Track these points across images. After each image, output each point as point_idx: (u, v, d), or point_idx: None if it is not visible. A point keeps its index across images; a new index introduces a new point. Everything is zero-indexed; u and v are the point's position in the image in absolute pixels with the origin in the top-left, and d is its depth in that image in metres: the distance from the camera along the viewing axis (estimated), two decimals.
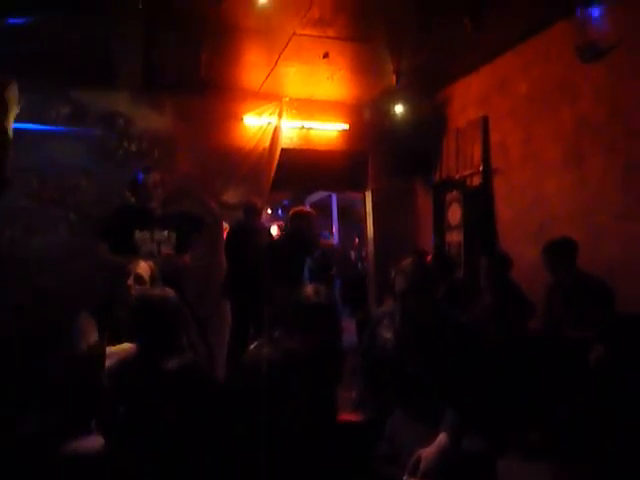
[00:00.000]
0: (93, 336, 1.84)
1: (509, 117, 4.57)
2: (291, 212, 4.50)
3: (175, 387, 1.67)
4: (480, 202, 4.83)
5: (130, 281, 2.33)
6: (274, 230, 14.53)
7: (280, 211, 12.86)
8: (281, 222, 13.75)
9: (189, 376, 1.72)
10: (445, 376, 2.08)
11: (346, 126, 5.72)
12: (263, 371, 1.50)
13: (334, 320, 1.99)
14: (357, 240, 8.73)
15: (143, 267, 2.45)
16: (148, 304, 1.90)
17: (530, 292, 3.71)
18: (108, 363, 1.83)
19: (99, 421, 1.74)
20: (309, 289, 2.00)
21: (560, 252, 3.34)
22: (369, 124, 5.66)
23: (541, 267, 3.48)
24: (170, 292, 1.99)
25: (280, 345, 1.72)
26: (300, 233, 4.39)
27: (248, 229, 4.59)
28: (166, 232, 3.20)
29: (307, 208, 4.79)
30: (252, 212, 4.66)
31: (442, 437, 1.95)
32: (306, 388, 1.65)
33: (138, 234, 3.08)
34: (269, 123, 5.33)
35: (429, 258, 4.55)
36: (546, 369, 2.76)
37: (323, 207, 11.07)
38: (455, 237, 5.08)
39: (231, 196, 5.16)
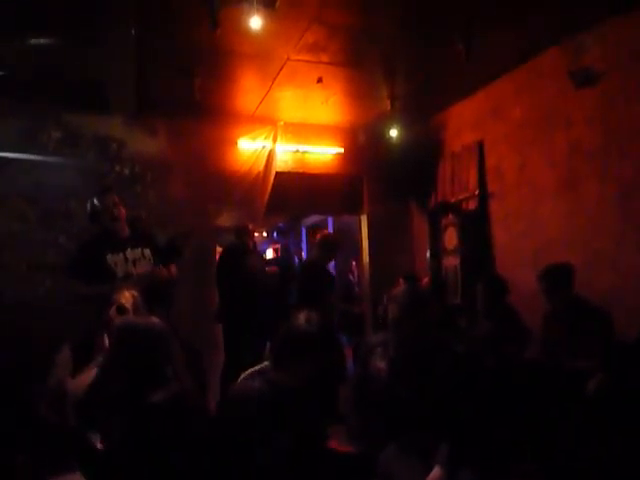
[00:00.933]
0: (66, 371, 1.81)
1: (504, 142, 4.62)
2: (320, 237, 4.53)
3: (159, 421, 1.65)
4: (476, 226, 4.85)
5: (112, 312, 2.31)
6: (270, 253, 14.56)
7: (275, 234, 12.88)
8: (277, 245, 13.78)
9: (174, 409, 1.69)
10: (440, 407, 2.05)
11: (341, 150, 5.78)
12: (251, 405, 1.48)
13: (326, 350, 1.96)
14: (354, 264, 8.69)
15: (126, 296, 2.44)
16: (130, 334, 1.88)
17: (528, 318, 3.69)
18: (76, 394, 1.79)
19: (75, 457, 1.71)
20: (301, 316, 1.96)
21: (556, 278, 3.33)
22: (364, 148, 5.72)
23: (538, 293, 3.48)
24: (155, 320, 1.97)
25: (270, 377, 1.70)
26: (328, 259, 4.43)
27: (240, 251, 4.58)
28: (139, 249, 3.15)
29: (331, 232, 4.75)
30: (244, 234, 4.66)
31: (436, 471, 1.92)
32: (296, 422, 1.63)
33: (110, 258, 3.04)
34: (264, 147, 5.38)
35: (425, 281, 4.54)
36: (543, 399, 2.73)
37: (319, 230, 11.09)
38: (452, 261, 5.07)
39: (225, 219, 5.18)
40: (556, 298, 3.35)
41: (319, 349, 1.92)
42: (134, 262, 3.11)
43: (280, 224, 12.17)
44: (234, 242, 4.70)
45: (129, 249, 3.12)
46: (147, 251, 3.18)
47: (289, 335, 1.93)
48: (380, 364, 2.53)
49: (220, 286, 4.57)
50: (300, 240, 12.45)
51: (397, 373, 2.28)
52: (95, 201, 3.16)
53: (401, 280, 4.86)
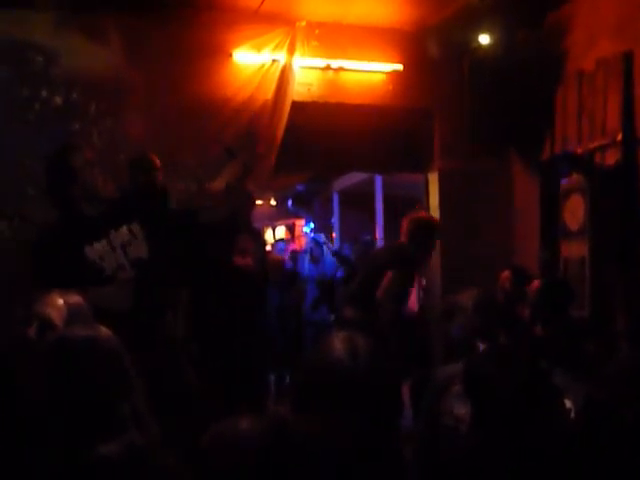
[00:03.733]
0: None
1: None
2: (411, 220, 4.90)
3: None
4: (617, 193, 4.79)
5: (31, 332, 2.35)
6: (281, 232, 14.64)
7: (290, 203, 12.90)
8: (292, 220, 13.83)
9: (131, 467, 1.73)
10: None
11: (399, 67, 5.76)
12: (235, 454, 1.51)
13: (379, 396, 1.94)
14: None
15: (55, 306, 2.46)
16: (68, 355, 1.92)
17: None
18: None
19: None
20: (339, 342, 1.92)
21: None
22: (435, 64, 5.70)
23: None
24: (106, 333, 2.01)
25: (276, 418, 1.71)
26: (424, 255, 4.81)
27: (227, 228, 4.59)
28: (125, 227, 3.29)
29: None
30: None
31: None
32: None
33: (91, 251, 3.16)
34: (274, 61, 5.39)
35: (536, 284, 4.52)
36: None
37: (362, 198, 11.10)
38: (576, 249, 5.03)
39: (214, 177, 5.22)
40: None
41: (365, 396, 1.90)
42: (123, 248, 3.24)
43: (299, 187, 12.20)
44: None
45: (112, 229, 3.25)
46: (136, 227, 3.31)
47: (321, 371, 1.91)
48: (459, 410, 2.55)
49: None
50: (330, 213, 12.48)
51: (484, 430, 2.29)
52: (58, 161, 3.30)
53: (507, 273, 4.85)
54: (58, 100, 4.92)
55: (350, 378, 1.81)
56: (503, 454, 2.12)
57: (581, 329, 4.34)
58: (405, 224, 4.89)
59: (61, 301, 2.52)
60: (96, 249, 3.19)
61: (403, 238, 4.92)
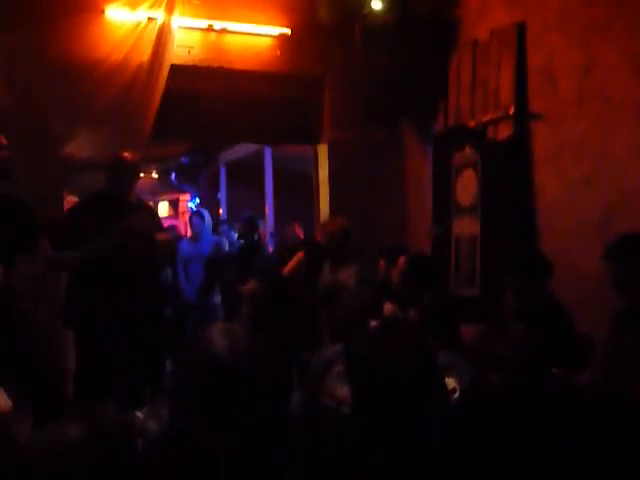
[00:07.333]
0: None
1: (559, 27, 4.63)
2: None
3: None
4: (509, 167, 4.90)
5: None
6: (163, 208, 14.41)
7: (174, 176, 12.71)
8: (176, 195, 13.63)
9: None
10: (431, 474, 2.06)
11: (286, 31, 5.73)
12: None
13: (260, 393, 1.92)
14: (297, 227, 8.46)
15: None
16: None
17: (588, 321, 3.77)
18: None
19: None
20: (216, 334, 1.92)
21: (632, 257, 3.40)
22: (326, 30, 5.67)
23: (606, 280, 3.54)
24: None
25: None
26: None
27: (113, 204, 4.50)
28: None
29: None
30: (122, 172, 4.54)
31: None
32: None
33: None
34: (150, 20, 5.29)
35: (401, 262, 4.59)
36: (604, 448, 2.82)
37: (250, 171, 11.03)
38: (468, 225, 5.13)
39: (82, 147, 5.14)
40: (632, 289, 3.42)
41: (248, 396, 1.90)
42: None
43: (183, 159, 12.03)
44: (102, 189, 4.60)
45: None
46: None
47: (196, 368, 1.88)
48: (340, 391, 2.55)
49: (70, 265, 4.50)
50: (217, 187, 12.36)
51: (362, 410, 2.29)
52: None
53: (381, 262, 4.88)
54: None
55: (234, 378, 1.84)
56: (384, 435, 2.13)
57: (466, 307, 4.44)
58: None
59: None
60: None
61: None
